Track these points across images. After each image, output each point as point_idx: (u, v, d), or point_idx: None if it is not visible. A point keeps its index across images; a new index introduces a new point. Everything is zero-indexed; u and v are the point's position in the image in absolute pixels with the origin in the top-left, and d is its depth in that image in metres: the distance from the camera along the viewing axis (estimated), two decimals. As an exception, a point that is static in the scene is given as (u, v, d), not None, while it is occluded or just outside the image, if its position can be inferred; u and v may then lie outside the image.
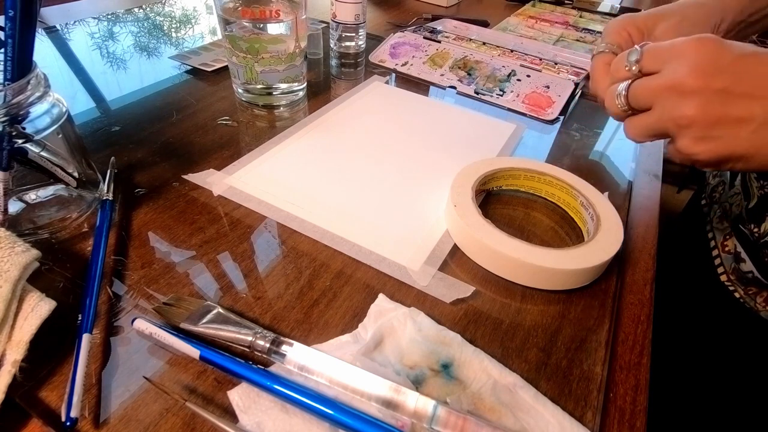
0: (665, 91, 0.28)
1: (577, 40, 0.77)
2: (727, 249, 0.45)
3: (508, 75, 0.59)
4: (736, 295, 0.44)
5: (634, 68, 0.31)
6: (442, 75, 0.59)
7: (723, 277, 0.45)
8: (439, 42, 0.65)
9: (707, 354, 0.48)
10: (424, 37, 0.66)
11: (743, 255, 0.43)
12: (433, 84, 0.58)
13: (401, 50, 0.63)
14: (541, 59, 0.62)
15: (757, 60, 0.26)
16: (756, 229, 0.41)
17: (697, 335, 0.49)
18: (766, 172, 0.40)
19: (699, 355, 0.49)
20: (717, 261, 0.46)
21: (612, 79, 0.34)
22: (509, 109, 0.54)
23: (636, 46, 0.31)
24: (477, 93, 0.56)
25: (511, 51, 0.64)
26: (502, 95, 0.56)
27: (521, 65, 0.60)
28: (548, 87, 0.56)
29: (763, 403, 0.43)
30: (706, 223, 0.49)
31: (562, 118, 0.53)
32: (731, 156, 0.27)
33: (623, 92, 0.32)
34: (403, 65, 0.61)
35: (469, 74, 0.59)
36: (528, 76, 0.58)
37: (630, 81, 0.31)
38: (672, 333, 0.49)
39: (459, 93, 0.57)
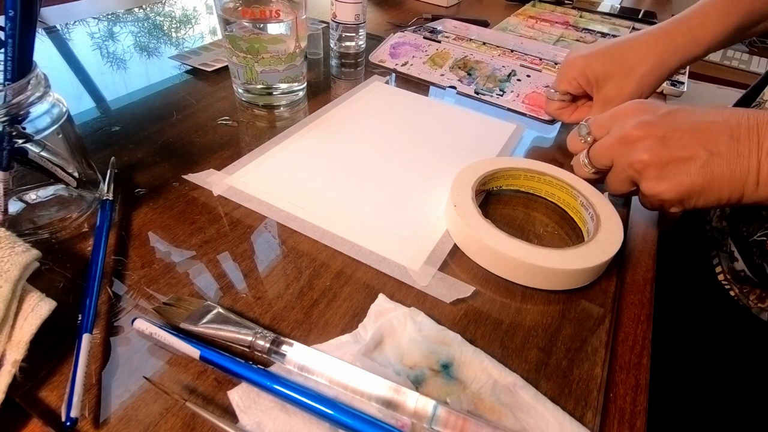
0: (616, 144, 0.33)
1: (578, 40, 0.77)
2: (724, 248, 0.45)
3: (508, 75, 0.59)
4: (732, 293, 0.44)
5: (588, 139, 0.37)
6: (442, 75, 0.59)
7: (720, 277, 0.45)
8: (439, 42, 0.65)
9: (706, 354, 0.48)
10: (424, 37, 0.66)
11: (736, 254, 0.43)
12: (433, 84, 0.58)
13: (401, 50, 0.63)
14: (541, 59, 0.62)
15: (683, 112, 0.31)
16: (745, 228, 0.41)
17: (696, 335, 0.49)
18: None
19: (698, 355, 0.49)
20: (715, 260, 0.46)
21: (573, 151, 0.39)
22: (509, 110, 0.54)
23: (582, 122, 0.37)
24: (477, 93, 0.56)
25: (511, 51, 0.64)
26: (502, 95, 0.56)
27: (521, 65, 0.60)
28: (548, 87, 0.56)
29: (763, 403, 0.43)
30: (706, 222, 0.49)
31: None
32: (690, 191, 0.30)
33: (585, 159, 0.37)
34: (403, 65, 0.61)
35: (469, 74, 0.59)
36: (528, 76, 0.58)
37: (588, 149, 0.37)
38: (672, 333, 0.49)
39: (459, 93, 0.57)
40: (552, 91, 0.48)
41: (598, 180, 0.37)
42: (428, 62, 0.61)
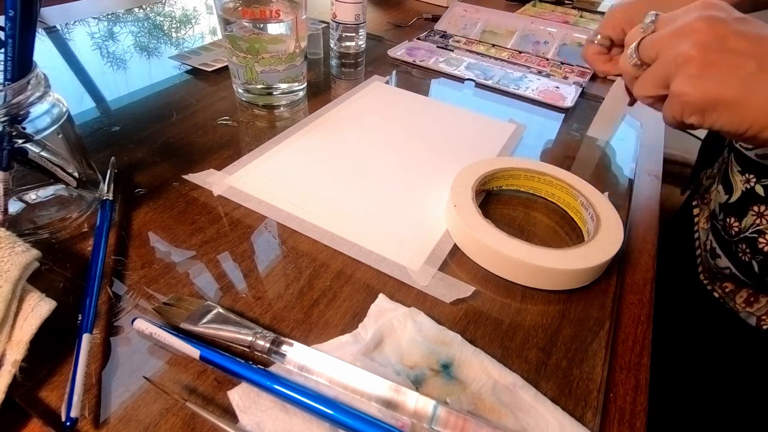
0: (672, 36, 0.30)
1: (578, 44, 0.77)
2: (705, 247, 0.45)
3: (520, 77, 0.61)
4: (715, 294, 0.44)
5: (648, 30, 0.33)
6: (458, 71, 0.62)
7: (701, 276, 0.45)
8: (452, 51, 0.67)
9: (703, 356, 0.48)
10: (438, 46, 0.68)
11: (718, 251, 0.43)
12: (452, 76, 0.61)
13: (417, 54, 0.65)
14: (547, 59, 0.66)
15: (755, 24, 0.28)
16: (736, 224, 0.41)
17: (691, 337, 0.49)
18: (754, 165, 0.40)
19: (697, 357, 0.49)
20: (699, 260, 0.46)
21: (629, 41, 0.35)
22: (527, 99, 0.56)
23: (650, 12, 0.33)
24: (495, 83, 0.59)
25: (520, 53, 0.68)
26: (518, 89, 0.58)
27: (530, 72, 0.63)
28: (558, 87, 0.59)
29: (759, 403, 0.43)
30: (695, 224, 0.49)
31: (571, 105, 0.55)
32: (719, 99, 0.28)
33: (635, 47, 0.33)
34: (421, 61, 0.63)
35: (485, 73, 0.62)
36: (538, 79, 0.61)
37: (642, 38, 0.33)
38: (672, 334, 0.49)
39: (478, 86, 0.59)
40: (593, 33, 0.45)
41: (635, 77, 0.34)
42: (444, 63, 0.63)
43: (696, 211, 0.51)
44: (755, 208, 0.39)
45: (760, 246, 0.39)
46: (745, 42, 0.28)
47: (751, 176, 0.40)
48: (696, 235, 0.48)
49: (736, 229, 0.41)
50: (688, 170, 0.59)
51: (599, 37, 0.44)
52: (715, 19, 0.29)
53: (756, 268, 0.39)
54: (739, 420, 0.45)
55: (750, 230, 0.40)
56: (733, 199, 0.41)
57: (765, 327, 0.40)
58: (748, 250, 0.40)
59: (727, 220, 0.42)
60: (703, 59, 0.28)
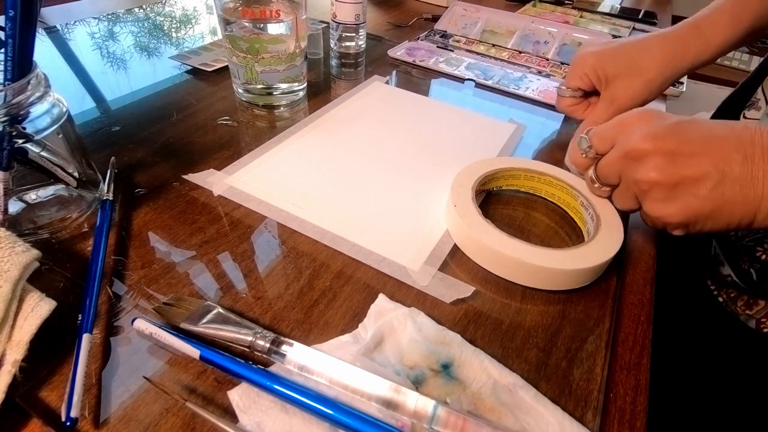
0: (622, 159, 0.31)
1: (579, 43, 0.77)
2: (710, 252, 0.45)
3: (520, 77, 0.61)
4: (720, 299, 0.44)
5: (590, 153, 0.34)
6: (458, 71, 0.62)
7: (708, 281, 0.45)
8: (452, 51, 0.67)
9: (702, 358, 0.48)
10: (438, 46, 0.69)
11: (721, 257, 0.43)
12: (452, 76, 0.61)
13: (417, 54, 0.65)
14: (548, 60, 0.66)
15: (691, 123, 0.29)
16: (733, 232, 0.41)
17: (693, 339, 0.49)
18: None
19: (696, 358, 0.49)
20: (706, 265, 0.46)
21: (576, 167, 0.37)
22: (527, 99, 0.57)
23: (582, 134, 0.34)
24: (495, 83, 0.59)
25: (520, 53, 0.68)
26: (518, 89, 0.58)
27: (530, 72, 0.63)
28: (560, 85, 0.58)
29: (759, 405, 0.43)
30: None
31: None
32: (698, 215, 0.28)
33: (593, 175, 0.35)
34: (421, 61, 0.64)
35: (485, 73, 0.62)
36: (538, 79, 0.61)
37: (595, 165, 0.34)
38: (671, 334, 0.49)
39: (478, 86, 0.59)
40: (563, 87, 0.48)
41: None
42: (444, 63, 0.63)
43: None
44: None
45: (758, 254, 0.39)
46: (694, 152, 0.28)
47: None
48: (696, 238, 0.48)
49: (734, 238, 0.41)
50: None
51: (569, 90, 0.46)
52: (655, 137, 0.29)
53: (754, 276, 0.39)
54: (738, 420, 0.45)
55: (747, 238, 0.40)
56: None
57: (765, 330, 0.40)
58: (746, 258, 0.40)
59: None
60: (666, 181, 0.28)
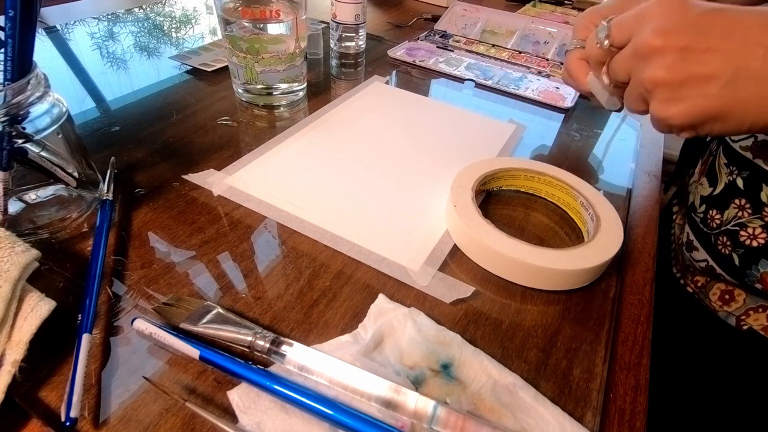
0: (632, 57, 0.28)
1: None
2: (680, 241, 0.45)
3: (520, 77, 0.61)
4: (689, 289, 0.43)
5: (605, 44, 0.30)
6: (458, 72, 0.62)
7: (674, 270, 0.45)
8: (452, 51, 0.67)
9: (691, 357, 0.48)
10: (438, 47, 0.68)
11: (695, 243, 0.42)
12: (452, 76, 0.61)
13: (417, 54, 0.65)
14: (548, 60, 0.66)
15: (719, 14, 0.25)
16: (718, 216, 0.40)
17: (691, 339, 0.49)
18: (737, 157, 0.39)
19: (696, 359, 0.49)
20: (672, 254, 0.46)
21: (590, 60, 0.34)
22: (527, 99, 0.56)
23: (603, 21, 0.31)
24: (495, 83, 0.59)
25: (520, 53, 0.68)
26: (518, 89, 0.58)
27: (530, 72, 0.63)
28: (558, 88, 0.59)
29: (753, 404, 0.43)
30: (672, 220, 0.49)
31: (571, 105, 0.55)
32: (705, 116, 0.26)
33: (606, 69, 0.31)
34: (420, 61, 0.63)
35: (485, 74, 0.62)
36: (538, 79, 0.61)
37: (609, 59, 0.31)
38: (671, 334, 0.49)
39: (478, 86, 0.59)
40: (571, 41, 0.42)
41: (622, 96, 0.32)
42: (444, 63, 0.63)
43: (675, 208, 0.51)
44: (736, 201, 0.39)
45: (742, 239, 0.38)
46: (710, 46, 0.25)
47: (734, 168, 0.39)
48: (672, 231, 0.48)
49: (718, 222, 0.40)
50: (673, 168, 0.59)
51: (576, 41, 0.40)
52: (669, 31, 0.26)
53: (736, 261, 0.39)
54: (738, 421, 0.45)
55: (732, 223, 0.39)
56: (717, 191, 0.41)
57: (745, 327, 0.40)
58: (729, 243, 0.39)
59: (709, 212, 0.41)
60: (671, 80, 0.26)
